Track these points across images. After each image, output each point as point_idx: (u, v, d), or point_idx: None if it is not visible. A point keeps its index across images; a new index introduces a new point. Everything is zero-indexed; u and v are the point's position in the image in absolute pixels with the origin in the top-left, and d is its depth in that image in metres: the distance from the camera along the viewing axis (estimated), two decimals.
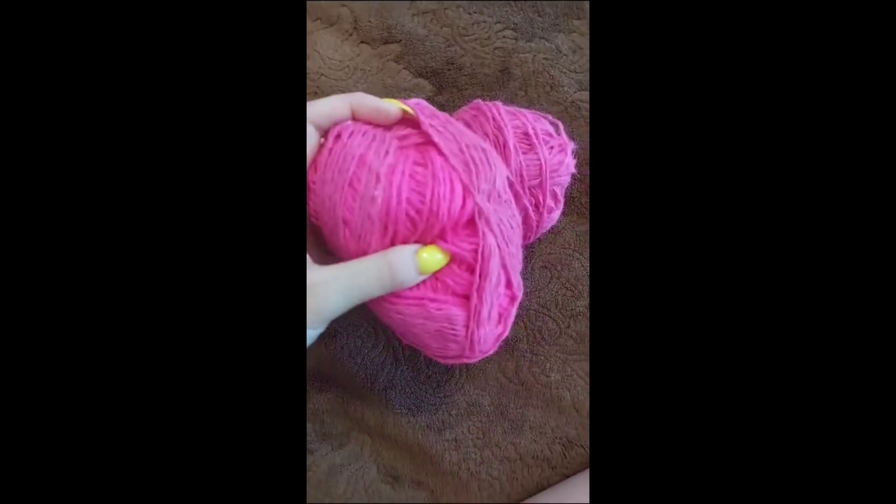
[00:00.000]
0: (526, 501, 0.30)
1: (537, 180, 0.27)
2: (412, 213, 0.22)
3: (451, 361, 0.25)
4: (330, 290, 0.22)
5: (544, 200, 0.28)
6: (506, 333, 0.25)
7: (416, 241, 0.23)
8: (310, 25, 0.36)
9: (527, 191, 0.27)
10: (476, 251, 0.23)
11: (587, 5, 0.34)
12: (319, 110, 0.24)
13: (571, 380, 0.31)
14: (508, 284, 0.25)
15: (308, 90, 0.35)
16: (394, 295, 0.24)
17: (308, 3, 0.36)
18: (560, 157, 0.28)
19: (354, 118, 0.24)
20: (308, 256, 0.22)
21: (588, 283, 0.31)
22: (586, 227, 0.32)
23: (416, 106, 0.25)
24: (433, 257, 0.23)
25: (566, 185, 0.29)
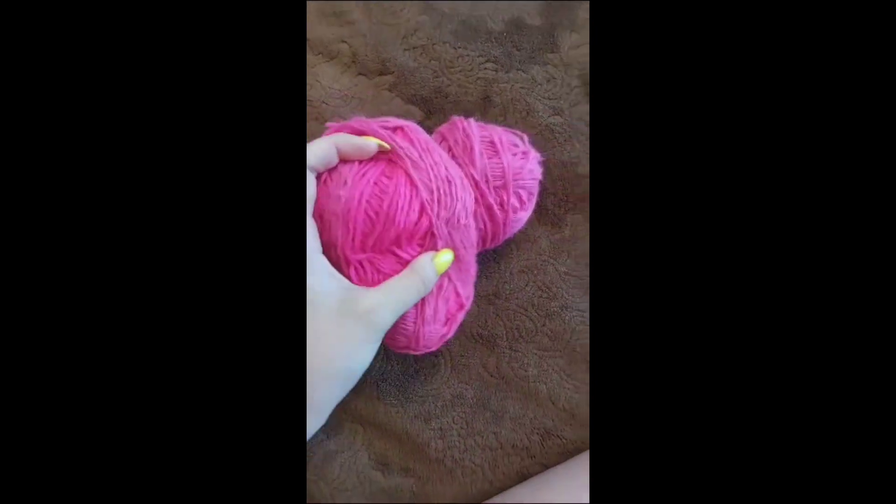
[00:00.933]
0: (515, 502, 0.32)
1: (501, 181, 0.31)
2: (371, 213, 0.27)
3: (400, 351, 0.29)
4: (385, 310, 0.25)
5: (508, 199, 0.31)
6: (450, 335, 0.30)
7: (375, 242, 0.27)
8: (312, 59, 0.40)
9: (492, 190, 0.31)
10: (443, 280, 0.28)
11: (560, 40, 0.39)
12: (314, 154, 0.26)
13: (547, 374, 0.33)
14: (457, 295, 0.29)
15: (310, 117, 0.39)
16: None
17: (310, 39, 0.41)
18: (522, 161, 0.32)
19: (340, 157, 0.28)
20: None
21: (561, 285, 0.35)
22: (559, 236, 0.36)
23: (405, 127, 0.29)
24: (446, 259, 0.27)
25: (533, 190, 0.33)
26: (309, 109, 0.39)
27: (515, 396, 0.33)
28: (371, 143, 0.28)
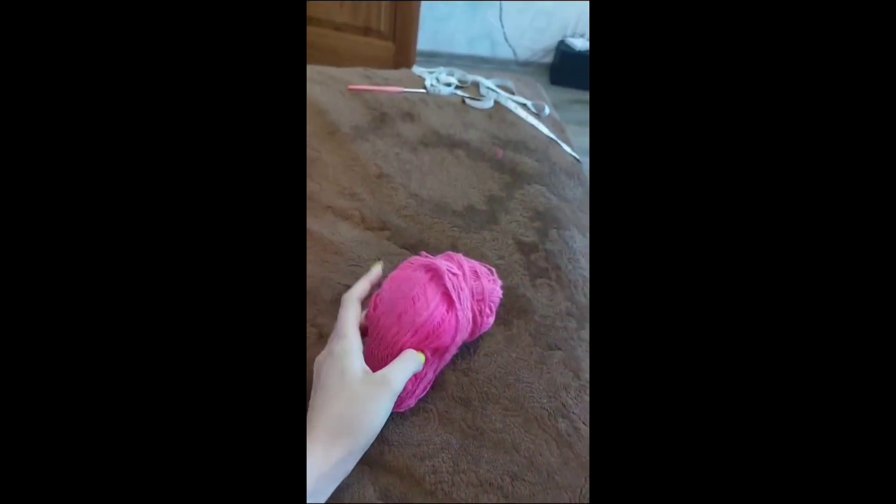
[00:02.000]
0: None
1: (481, 297, 0.47)
2: (431, 332, 0.41)
3: None
4: (397, 379, 0.37)
5: (484, 308, 0.47)
6: (411, 405, 0.43)
7: (424, 345, 0.41)
8: (334, 218, 0.59)
9: (475, 303, 0.46)
10: (431, 369, 0.43)
11: (499, 218, 0.60)
12: (360, 289, 0.42)
13: (510, 428, 0.44)
14: (428, 383, 0.44)
15: (331, 251, 0.55)
16: None
17: (332, 206, 0.60)
18: (493, 285, 0.48)
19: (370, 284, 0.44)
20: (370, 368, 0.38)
21: (513, 365, 0.48)
22: (509, 333, 0.50)
23: (460, 276, 0.44)
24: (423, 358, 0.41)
25: (496, 304, 0.49)
26: (331, 247, 0.55)
27: (488, 445, 0.42)
28: (377, 272, 0.45)
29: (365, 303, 0.43)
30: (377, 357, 0.41)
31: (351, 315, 0.40)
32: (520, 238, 0.60)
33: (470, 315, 0.43)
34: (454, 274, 0.44)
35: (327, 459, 0.33)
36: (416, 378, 0.41)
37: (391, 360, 0.39)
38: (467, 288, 0.44)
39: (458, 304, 0.42)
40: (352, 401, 0.35)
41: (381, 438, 0.41)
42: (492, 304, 0.48)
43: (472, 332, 0.46)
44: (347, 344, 0.38)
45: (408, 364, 0.39)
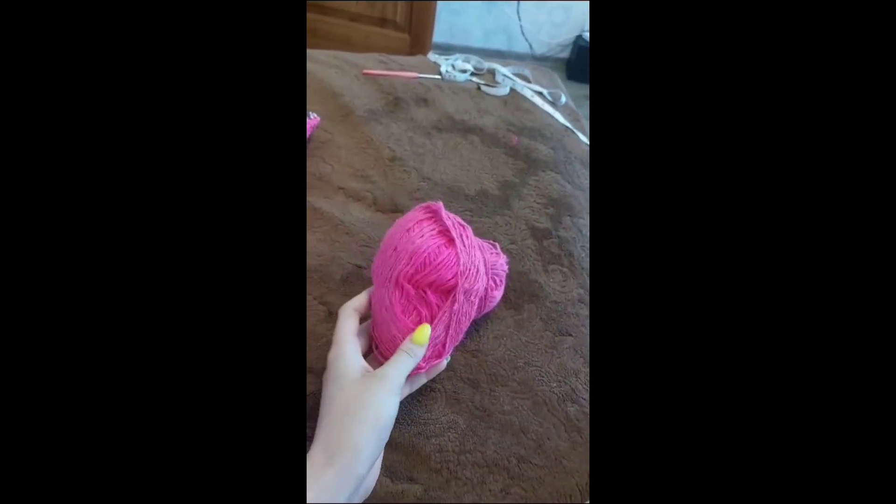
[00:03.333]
0: None
1: (484, 269, 0.46)
2: (428, 260, 0.39)
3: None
4: (396, 374, 0.35)
5: (488, 281, 0.46)
6: (423, 371, 0.39)
7: (420, 277, 0.39)
8: (345, 199, 0.58)
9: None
10: (432, 315, 0.40)
11: (512, 204, 0.60)
12: (358, 301, 0.40)
13: (518, 411, 0.43)
14: (443, 346, 0.40)
15: (342, 231, 0.55)
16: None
17: (344, 188, 0.59)
18: (496, 258, 0.48)
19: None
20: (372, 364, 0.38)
21: (523, 349, 0.47)
22: (519, 317, 0.50)
23: (467, 228, 0.43)
24: (422, 333, 0.38)
25: (503, 277, 0.48)
26: (342, 227, 0.55)
27: (496, 426, 0.42)
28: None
29: (365, 315, 0.41)
30: (380, 299, 0.40)
31: (346, 325, 0.38)
32: (533, 224, 0.59)
33: (477, 262, 0.41)
34: (460, 224, 0.42)
35: (323, 479, 0.30)
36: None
37: (392, 296, 0.39)
38: (476, 245, 0.43)
39: (457, 241, 0.40)
40: (349, 401, 0.33)
41: None
42: (496, 277, 0.47)
43: (480, 307, 0.45)
44: (340, 350, 0.36)
45: (404, 360, 0.36)
